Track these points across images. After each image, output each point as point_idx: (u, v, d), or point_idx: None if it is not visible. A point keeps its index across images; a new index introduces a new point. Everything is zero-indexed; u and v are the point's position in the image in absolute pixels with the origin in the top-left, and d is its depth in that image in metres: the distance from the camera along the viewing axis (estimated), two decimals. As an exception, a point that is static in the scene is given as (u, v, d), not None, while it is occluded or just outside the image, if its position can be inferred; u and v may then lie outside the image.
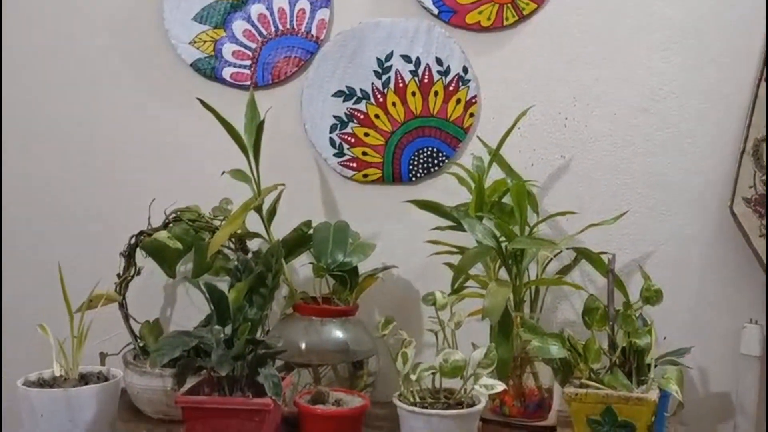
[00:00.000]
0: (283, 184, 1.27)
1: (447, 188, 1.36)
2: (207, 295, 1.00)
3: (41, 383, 1.04)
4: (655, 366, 1.04)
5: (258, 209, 1.24)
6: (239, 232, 1.28)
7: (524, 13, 1.38)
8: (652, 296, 1.07)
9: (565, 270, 1.29)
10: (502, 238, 1.13)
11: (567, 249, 1.23)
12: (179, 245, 1.27)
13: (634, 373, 1.03)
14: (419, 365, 0.95)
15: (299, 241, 1.27)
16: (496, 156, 1.28)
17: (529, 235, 1.14)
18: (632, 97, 1.38)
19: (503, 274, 1.17)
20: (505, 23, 1.38)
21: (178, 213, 1.32)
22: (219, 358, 0.96)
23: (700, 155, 1.37)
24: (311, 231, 1.28)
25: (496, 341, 1.03)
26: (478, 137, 1.38)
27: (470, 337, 1.10)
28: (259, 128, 1.20)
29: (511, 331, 1.06)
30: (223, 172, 1.27)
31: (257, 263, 1.02)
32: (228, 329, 1.01)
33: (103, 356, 1.30)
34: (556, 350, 1.00)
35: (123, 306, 1.32)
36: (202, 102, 1.18)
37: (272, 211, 1.27)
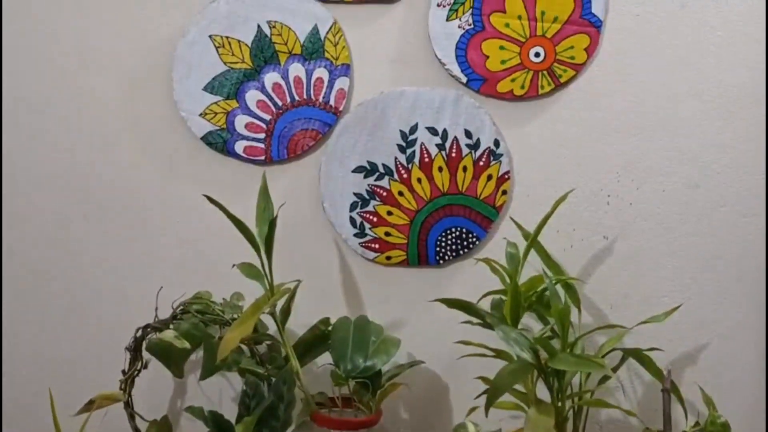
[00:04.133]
0: (299, 280, 1.17)
1: (478, 272, 1.25)
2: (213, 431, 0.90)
3: None
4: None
5: (271, 312, 1.13)
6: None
7: (561, 80, 1.26)
8: (717, 431, 0.94)
9: (612, 371, 1.17)
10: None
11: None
12: (187, 345, 1.17)
13: None
14: None
15: (316, 341, 1.17)
16: (533, 243, 1.16)
17: (571, 351, 1.02)
18: (683, 171, 1.25)
19: (542, 385, 1.05)
20: (541, 92, 1.26)
21: (186, 305, 1.22)
22: (225, 506, 0.86)
23: (758, 236, 1.23)
24: (329, 329, 1.18)
25: (537, 480, 0.91)
26: (511, 218, 1.26)
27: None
28: (272, 224, 1.10)
29: (554, 463, 0.94)
30: (234, 266, 1.17)
31: (268, 392, 0.92)
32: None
33: (107, 462, 1.21)
34: (606, 497, 0.88)
35: (129, 405, 1.23)
36: (209, 198, 1.08)
37: (286, 311, 1.16)
